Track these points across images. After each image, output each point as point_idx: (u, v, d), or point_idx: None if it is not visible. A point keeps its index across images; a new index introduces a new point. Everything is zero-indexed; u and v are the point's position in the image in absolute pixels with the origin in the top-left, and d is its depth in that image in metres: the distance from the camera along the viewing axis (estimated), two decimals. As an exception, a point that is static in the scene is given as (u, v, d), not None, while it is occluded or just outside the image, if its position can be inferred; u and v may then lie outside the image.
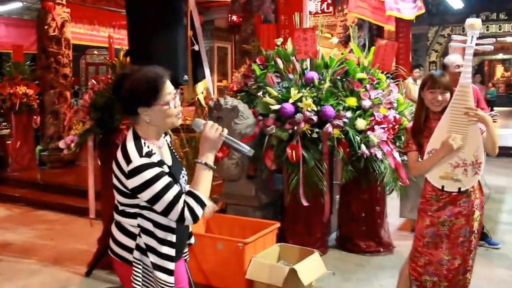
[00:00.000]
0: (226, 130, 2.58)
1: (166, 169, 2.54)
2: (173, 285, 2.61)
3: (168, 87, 2.57)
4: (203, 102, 6.97)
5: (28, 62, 11.69)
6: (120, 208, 2.63)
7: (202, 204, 2.51)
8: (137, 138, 2.56)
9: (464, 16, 14.29)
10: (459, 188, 3.62)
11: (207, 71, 6.35)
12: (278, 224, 5.32)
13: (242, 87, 6.44)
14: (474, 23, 3.58)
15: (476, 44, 3.57)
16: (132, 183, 2.46)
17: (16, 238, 7.13)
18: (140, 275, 2.60)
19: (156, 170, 2.45)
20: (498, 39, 20.60)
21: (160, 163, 2.52)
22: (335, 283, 5.20)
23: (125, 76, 2.57)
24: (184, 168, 2.80)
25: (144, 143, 2.55)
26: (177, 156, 2.85)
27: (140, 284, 2.61)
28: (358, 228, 6.07)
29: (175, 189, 2.47)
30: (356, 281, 5.28)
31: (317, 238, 5.91)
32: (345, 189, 6.12)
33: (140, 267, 2.60)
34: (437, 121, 3.65)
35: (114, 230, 2.69)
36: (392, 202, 6.50)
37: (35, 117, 11.42)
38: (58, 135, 10.86)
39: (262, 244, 5.09)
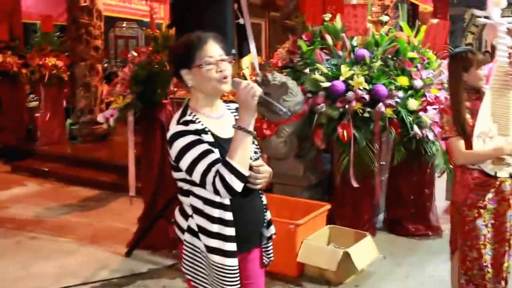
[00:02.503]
0: (260, 90, 2.33)
1: (208, 139, 2.37)
2: (231, 269, 2.37)
3: (210, 49, 2.41)
4: (248, 77, 6.75)
5: (58, 33, 11.41)
6: (179, 185, 2.49)
7: (237, 174, 2.27)
8: (185, 107, 2.48)
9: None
10: (510, 174, 3.50)
11: (252, 46, 6.16)
12: (328, 206, 5.19)
13: (287, 63, 6.22)
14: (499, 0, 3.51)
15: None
16: (171, 152, 2.37)
17: (48, 214, 6.91)
18: (188, 258, 2.47)
19: (189, 138, 2.32)
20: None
21: (197, 132, 2.35)
22: (387, 268, 5.04)
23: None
24: (255, 144, 2.57)
25: (191, 113, 2.43)
26: None
27: (188, 268, 2.48)
28: (406, 210, 5.89)
29: (209, 158, 2.31)
30: (408, 266, 5.11)
31: (366, 220, 5.72)
32: (394, 171, 5.92)
33: (189, 249, 2.45)
34: (473, 100, 3.53)
35: (176, 210, 2.58)
36: (437, 184, 6.28)
37: (65, 90, 11.02)
38: (89, 108, 10.60)
39: (313, 226, 4.97)
